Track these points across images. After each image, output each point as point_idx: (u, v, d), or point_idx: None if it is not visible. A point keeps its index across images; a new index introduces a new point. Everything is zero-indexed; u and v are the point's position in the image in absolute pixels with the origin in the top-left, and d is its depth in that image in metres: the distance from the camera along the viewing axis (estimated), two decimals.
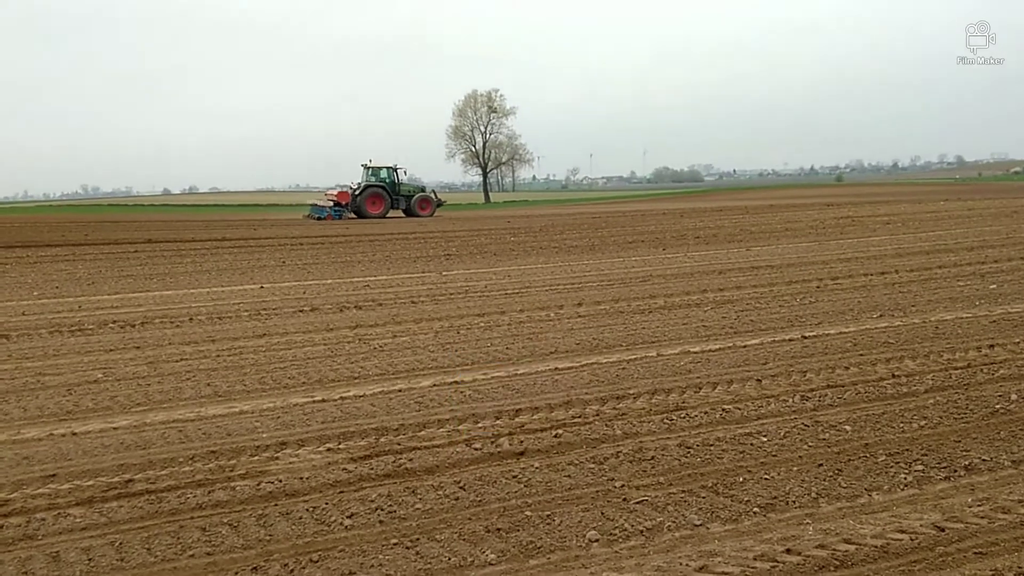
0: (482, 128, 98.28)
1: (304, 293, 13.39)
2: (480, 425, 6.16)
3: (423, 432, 6.04)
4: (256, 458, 5.59)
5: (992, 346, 8.06)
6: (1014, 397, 6.37)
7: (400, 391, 7.20)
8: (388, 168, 43.65)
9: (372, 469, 5.32)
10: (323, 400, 6.97)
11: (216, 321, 10.90)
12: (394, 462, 5.42)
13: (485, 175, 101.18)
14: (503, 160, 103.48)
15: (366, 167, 43.30)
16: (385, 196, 42.36)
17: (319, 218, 39.69)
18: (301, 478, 5.20)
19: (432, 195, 45.57)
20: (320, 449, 5.74)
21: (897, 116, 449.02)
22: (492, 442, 5.77)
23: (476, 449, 5.63)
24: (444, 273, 15.96)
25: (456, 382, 7.44)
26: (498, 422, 6.22)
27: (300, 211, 45.42)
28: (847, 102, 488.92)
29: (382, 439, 5.90)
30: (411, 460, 5.46)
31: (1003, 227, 21.89)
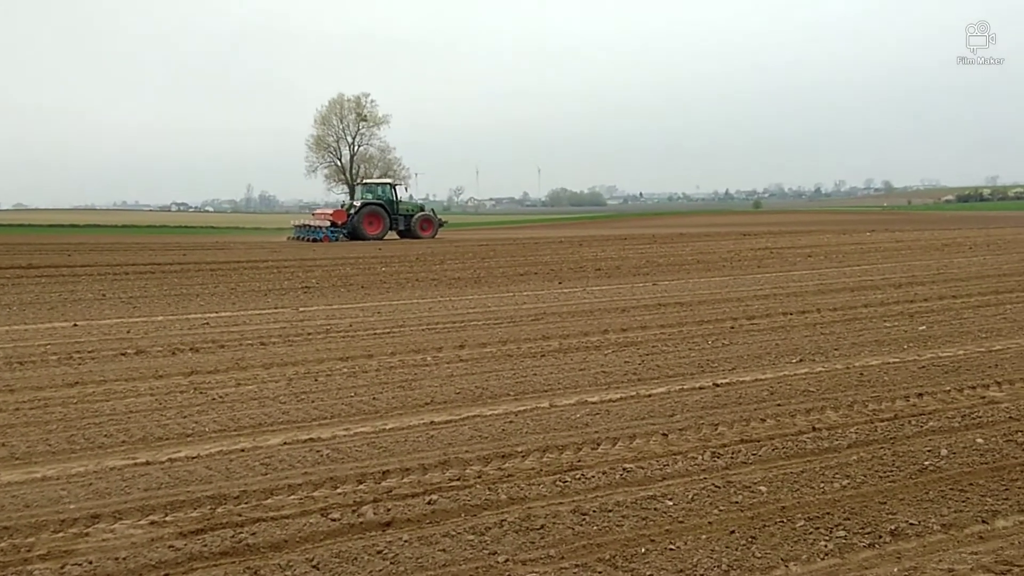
0: (349, 139, 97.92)
1: (128, 332, 12.96)
2: (339, 491, 6.07)
3: (270, 500, 5.90)
4: (61, 535, 5.34)
5: (921, 395, 8.45)
6: (944, 452, 6.68)
7: (243, 451, 7.02)
8: (388, 184, 45.08)
9: (206, 546, 5.15)
10: (147, 463, 6.74)
11: (16, 367, 10.42)
12: (233, 537, 5.27)
13: (353, 193, 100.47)
14: (374, 176, 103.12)
15: (362, 184, 44.34)
16: (384, 215, 43.04)
17: (314, 240, 40.19)
18: (116, 558, 4.99)
19: (432, 214, 46.09)
20: (142, 523, 5.53)
21: (821, 138, 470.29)
22: (353, 511, 5.69)
23: (334, 520, 5.54)
24: (301, 309, 15.73)
25: (312, 439, 7.32)
26: (361, 487, 6.14)
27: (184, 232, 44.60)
28: (767, 122, 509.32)
29: (219, 509, 5.73)
30: (254, 534, 5.32)
31: (934, 261, 23.11)
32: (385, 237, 42.56)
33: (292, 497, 5.96)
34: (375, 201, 43.44)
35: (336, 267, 24.35)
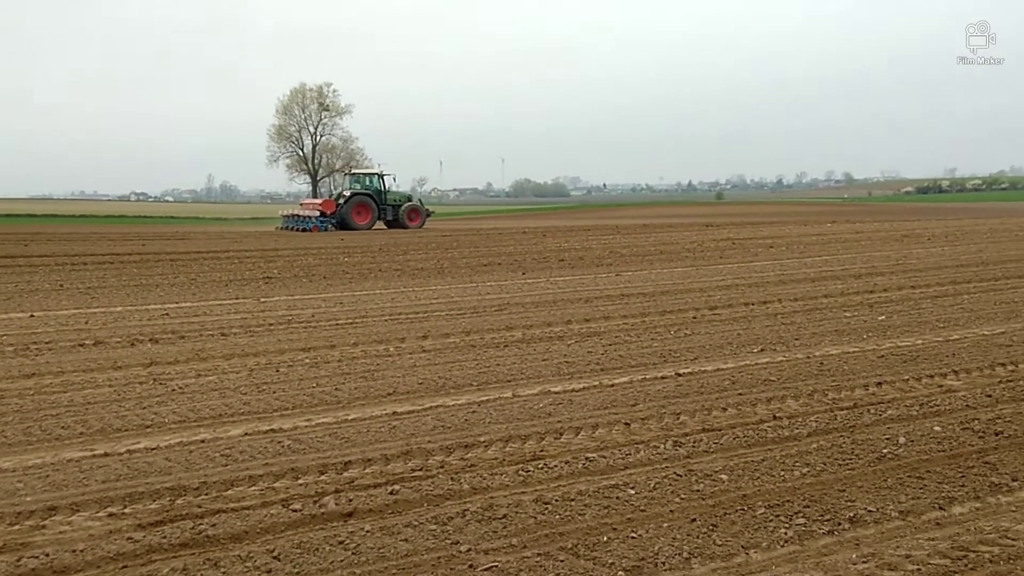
0: (311, 129, 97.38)
1: (87, 323, 12.81)
2: (301, 482, 6.04)
3: (230, 491, 5.86)
4: (17, 528, 5.27)
5: (880, 384, 8.55)
6: (902, 440, 6.77)
7: (203, 442, 6.97)
8: (376, 175, 44.58)
9: (165, 538, 5.11)
10: (105, 455, 6.66)
11: None
12: (193, 528, 5.23)
13: (315, 184, 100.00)
14: (336, 166, 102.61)
15: (350, 174, 44.22)
16: (373, 206, 42.98)
17: (304, 230, 40.21)
18: (74, 551, 4.94)
19: (420, 204, 46.14)
20: (100, 515, 5.47)
21: (783, 130, 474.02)
22: (315, 501, 5.66)
23: (295, 511, 5.51)
24: (263, 300, 15.63)
25: (273, 430, 7.28)
26: (323, 477, 6.12)
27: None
28: (730, 114, 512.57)
29: (179, 501, 5.68)
30: (214, 525, 5.28)
31: (893, 252, 23.39)
32: (374, 227, 42.73)
33: (253, 488, 5.93)
34: (364, 191, 43.40)
35: (298, 257, 24.20)
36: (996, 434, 6.91)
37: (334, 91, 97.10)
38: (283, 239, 33.88)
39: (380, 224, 43.59)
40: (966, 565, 4.68)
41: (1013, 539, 4.98)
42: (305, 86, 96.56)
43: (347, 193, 43.08)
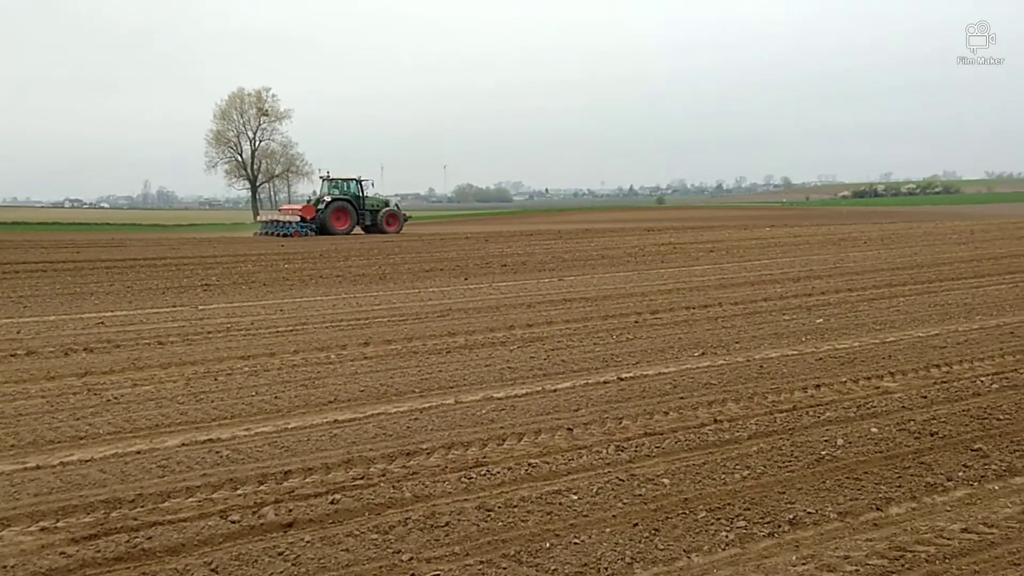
0: (250, 134, 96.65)
1: (18, 333, 12.52)
2: (239, 492, 5.95)
3: (167, 503, 5.76)
4: None
5: (818, 386, 8.67)
6: (840, 442, 6.86)
7: (139, 453, 6.84)
8: (354, 180, 44.90)
9: (99, 552, 5.00)
10: (37, 467, 6.51)
11: None
12: (128, 542, 5.13)
13: (255, 189, 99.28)
14: (276, 172, 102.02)
15: (327, 179, 44.19)
16: (352, 211, 43.63)
17: (285, 235, 40.64)
18: (5, 567, 4.81)
19: (397, 209, 46.61)
20: (31, 529, 5.34)
21: (723, 136, 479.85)
22: (254, 512, 5.58)
23: (233, 522, 5.43)
24: (201, 307, 15.41)
25: (211, 440, 7.17)
26: (262, 488, 6.04)
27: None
28: (671, 120, 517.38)
29: (114, 514, 5.57)
30: (150, 539, 5.18)
31: (830, 256, 23.76)
32: (352, 232, 43.25)
33: (190, 499, 5.83)
34: (343, 197, 43.88)
35: (238, 264, 23.92)
36: (931, 435, 7.03)
37: (273, 95, 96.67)
38: (220, 245, 33.46)
39: (357, 229, 44.12)
40: (903, 565, 4.75)
41: (948, 538, 5.06)
42: (244, 90, 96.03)
43: (327, 199, 43.40)
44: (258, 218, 46.89)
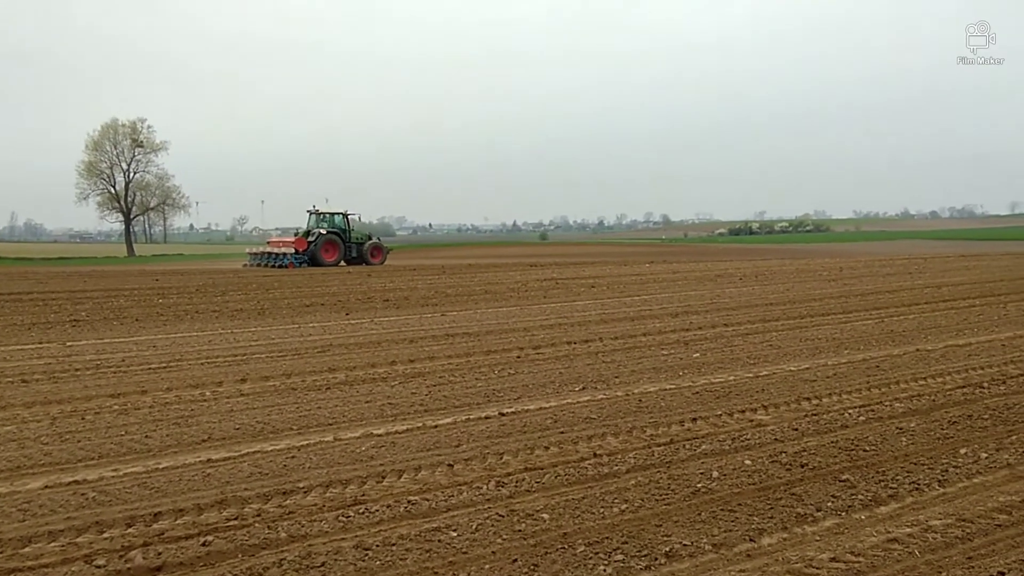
0: (124, 165, 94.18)
1: None
2: (106, 535, 5.73)
3: (27, 549, 5.50)
4: None
5: (695, 419, 8.84)
6: (715, 474, 7.00)
7: None
8: (340, 214, 46.69)
9: None
10: None
11: None
12: None
13: (128, 223, 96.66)
14: (151, 205, 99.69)
15: (315, 213, 45.59)
16: (340, 244, 45.59)
17: (280, 266, 42.68)
18: None
19: (379, 242, 48.75)
20: None
21: (604, 174, 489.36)
22: (120, 556, 5.38)
23: (99, 567, 5.22)
24: (69, 344, 14.85)
25: (76, 482, 6.89)
26: (130, 530, 5.83)
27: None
28: (553, 158, 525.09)
29: None
30: None
31: (707, 291, 24.33)
32: (339, 263, 44.94)
33: (53, 544, 5.58)
34: (332, 230, 45.49)
35: (108, 299, 23.13)
36: (802, 466, 7.23)
37: (148, 127, 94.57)
38: (90, 280, 32.37)
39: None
40: None
41: (817, 568, 5.20)
42: (117, 121, 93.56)
43: (319, 231, 44.87)
44: (247, 251, 48.96)
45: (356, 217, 47.71)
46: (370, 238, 48.37)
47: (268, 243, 47.38)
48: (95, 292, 25.40)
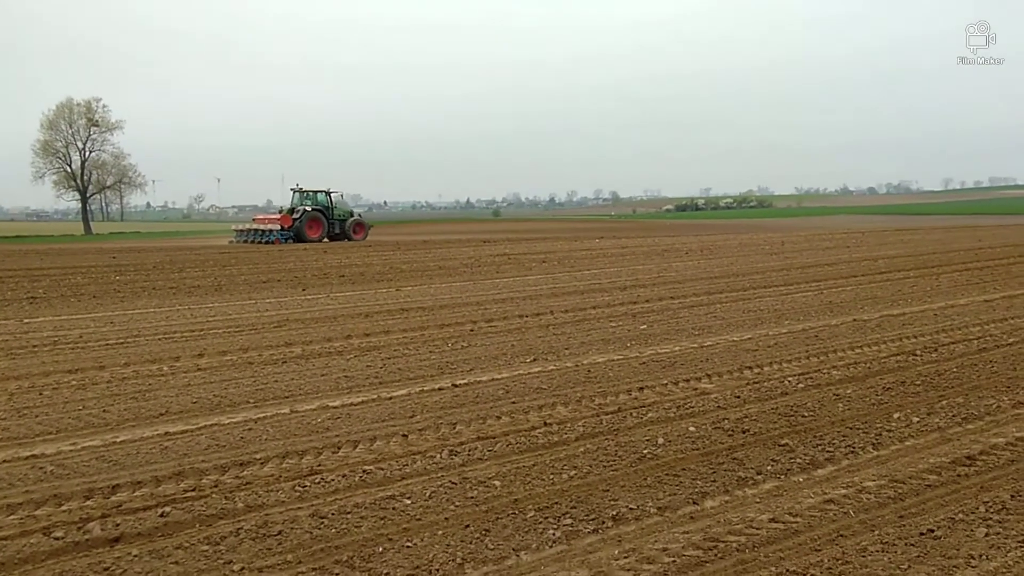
0: (80, 144, 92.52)
1: None
2: (64, 508, 5.68)
3: None
4: None
5: (642, 388, 8.93)
6: (661, 441, 7.08)
7: None
8: (323, 192, 46.70)
9: None
10: None
11: None
12: None
13: (85, 201, 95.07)
14: (107, 183, 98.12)
15: (298, 191, 45.94)
16: (323, 220, 45.41)
17: (268, 242, 42.37)
18: None
19: (361, 218, 48.97)
20: None
21: (556, 152, 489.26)
22: (79, 528, 5.34)
23: (57, 538, 5.17)
24: (26, 321, 14.63)
25: (35, 456, 6.82)
26: (88, 503, 5.78)
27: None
28: (506, 135, 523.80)
29: None
30: None
31: (654, 266, 24.50)
32: (323, 240, 44.69)
33: (11, 517, 5.52)
34: (316, 207, 45.52)
35: (66, 276, 22.77)
36: (743, 432, 7.34)
37: (104, 106, 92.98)
38: (47, 257, 31.83)
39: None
40: (716, 555, 4.94)
41: (757, 528, 5.30)
42: (72, 100, 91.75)
43: (305, 208, 44.88)
44: (232, 227, 48.97)
45: (339, 195, 47.88)
46: (352, 215, 48.43)
47: (254, 220, 47.13)
48: (52, 270, 24.98)
